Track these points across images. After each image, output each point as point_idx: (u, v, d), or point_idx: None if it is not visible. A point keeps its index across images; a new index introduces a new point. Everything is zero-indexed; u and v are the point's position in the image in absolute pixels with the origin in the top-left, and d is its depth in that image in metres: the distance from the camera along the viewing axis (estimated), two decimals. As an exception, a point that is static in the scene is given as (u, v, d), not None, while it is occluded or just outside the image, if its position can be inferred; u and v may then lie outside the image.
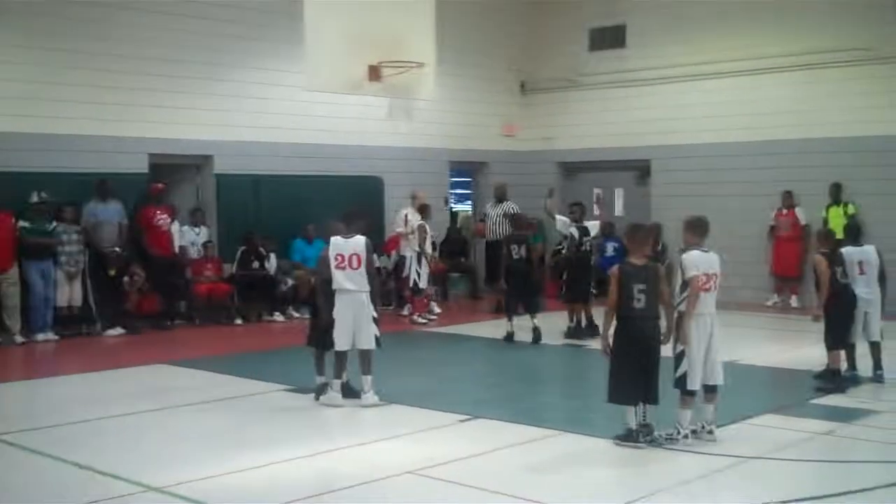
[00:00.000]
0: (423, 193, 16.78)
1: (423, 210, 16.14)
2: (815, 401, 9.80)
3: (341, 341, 9.56)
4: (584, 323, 13.79)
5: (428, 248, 15.87)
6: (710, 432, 8.23)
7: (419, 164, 18.67)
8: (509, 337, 13.68)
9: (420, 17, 14.19)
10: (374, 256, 10.28)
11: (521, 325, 13.79)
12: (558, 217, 14.23)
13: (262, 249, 15.90)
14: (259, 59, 16.52)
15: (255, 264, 15.81)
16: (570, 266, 13.89)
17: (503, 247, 14.23)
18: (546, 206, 14.75)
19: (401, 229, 16.15)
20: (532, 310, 13.75)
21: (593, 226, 14.14)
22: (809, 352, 11.64)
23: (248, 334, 14.81)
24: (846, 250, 10.52)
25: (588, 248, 13.96)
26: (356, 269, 9.52)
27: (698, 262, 8.15)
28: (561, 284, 14.19)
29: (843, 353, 10.32)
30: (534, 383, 11.52)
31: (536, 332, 13.50)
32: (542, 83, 20.68)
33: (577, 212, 14.14)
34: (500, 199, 17.37)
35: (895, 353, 11.25)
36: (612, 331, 8.16)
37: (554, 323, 14.13)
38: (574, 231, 13.76)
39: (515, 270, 13.82)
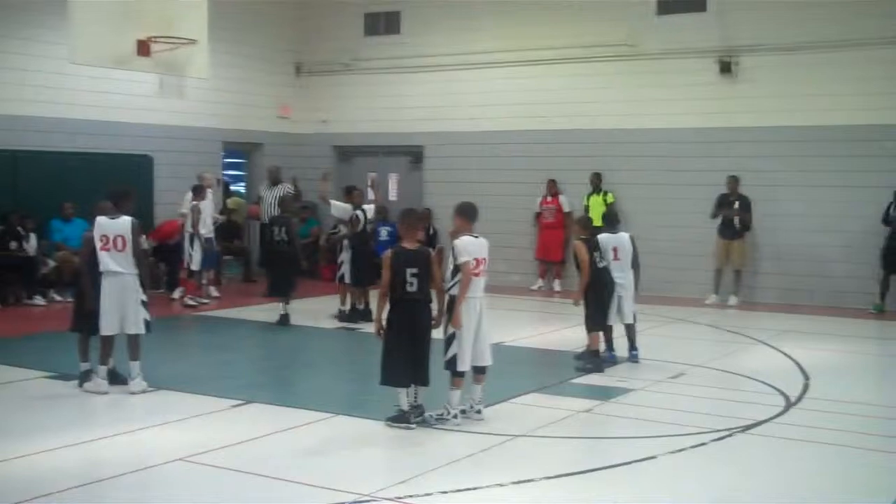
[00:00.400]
0: (210, 175, 16.43)
1: (198, 191, 15.77)
2: (576, 380, 10.30)
3: (107, 325, 9.27)
4: (360, 307, 13.84)
5: (202, 229, 15.49)
6: (479, 412, 8.52)
7: (192, 143, 18.23)
8: (284, 319, 13.65)
9: (193, -7, 13.88)
10: (143, 238, 9.99)
11: (296, 308, 13.81)
12: (333, 202, 14.24)
13: (20, 229, 15.08)
14: (19, 28, 15.61)
15: (14, 245, 14.98)
16: (351, 250, 13.82)
17: (266, 229, 14.21)
18: (320, 191, 14.77)
19: (182, 210, 15.81)
20: (285, 293, 13.78)
21: (369, 209, 14.23)
22: (571, 333, 12.24)
23: (5, 318, 14.01)
24: (602, 237, 11.08)
25: (368, 231, 13.98)
26: (122, 250, 9.26)
27: (469, 247, 8.39)
28: (338, 268, 14.15)
29: (601, 335, 10.88)
30: (308, 367, 11.53)
31: (285, 316, 13.59)
32: (317, 66, 20.61)
33: (358, 196, 14.13)
34: (275, 181, 17.28)
35: (649, 335, 12.03)
36: (385, 314, 8.29)
37: (331, 306, 14.18)
38: (359, 214, 13.73)
39: (277, 253, 13.85)
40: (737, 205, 16.10)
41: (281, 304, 13.70)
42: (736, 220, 16.07)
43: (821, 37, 15.91)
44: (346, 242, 13.84)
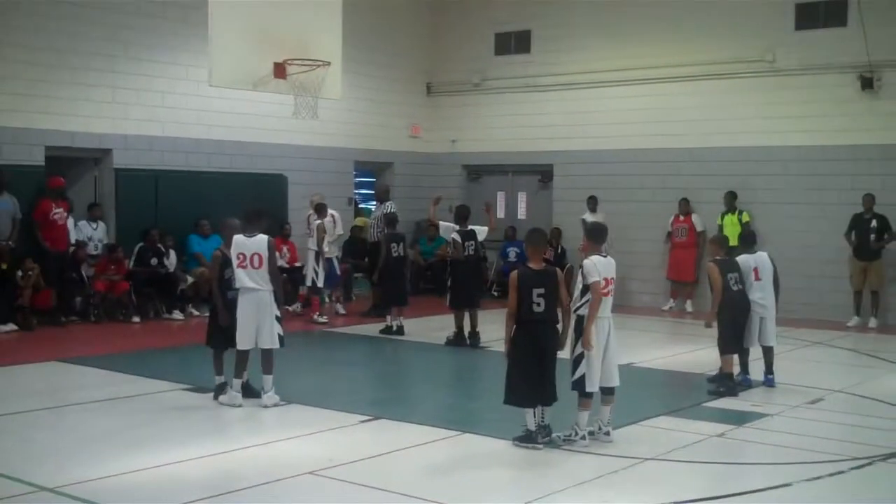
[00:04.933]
0: (318, 195, 16.63)
1: (319, 210, 16.01)
2: (708, 403, 10.03)
3: (243, 340, 9.47)
4: (468, 330, 13.40)
5: (325, 246, 15.71)
6: (607, 433, 8.39)
7: (324, 163, 18.62)
8: (388, 330, 14.18)
9: (327, 16, 14.16)
10: (277, 255, 10.22)
11: (416, 326, 13.85)
12: (442, 224, 14.13)
13: (160, 246, 15.64)
14: (162, 53, 16.23)
15: (154, 261, 15.53)
16: (452, 272, 13.54)
17: (382, 246, 14.50)
18: (429, 214, 14.77)
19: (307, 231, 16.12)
20: (402, 304, 14.45)
21: (481, 231, 13.86)
22: (704, 355, 11.95)
23: (145, 332, 14.52)
24: (742, 258, 10.79)
25: (473, 252, 13.58)
26: (258, 267, 9.45)
27: (599, 267, 8.29)
28: (447, 290, 13.65)
29: (735, 358, 10.58)
30: (434, 384, 11.54)
31: (400, 329, 14.19)
32: (448, 85, 20.78)
33: (460, 216, 13.79)
34: (381, 199, 17.19)
35: (786, 359, 11.63)
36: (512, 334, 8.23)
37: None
38: (456, 237, 13.42)
39: (394, 269, 14.33)
40: (874, 223, 15.55)
41: (388, 316, 14.34)
42: (872, 238, 15.54)
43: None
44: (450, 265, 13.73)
